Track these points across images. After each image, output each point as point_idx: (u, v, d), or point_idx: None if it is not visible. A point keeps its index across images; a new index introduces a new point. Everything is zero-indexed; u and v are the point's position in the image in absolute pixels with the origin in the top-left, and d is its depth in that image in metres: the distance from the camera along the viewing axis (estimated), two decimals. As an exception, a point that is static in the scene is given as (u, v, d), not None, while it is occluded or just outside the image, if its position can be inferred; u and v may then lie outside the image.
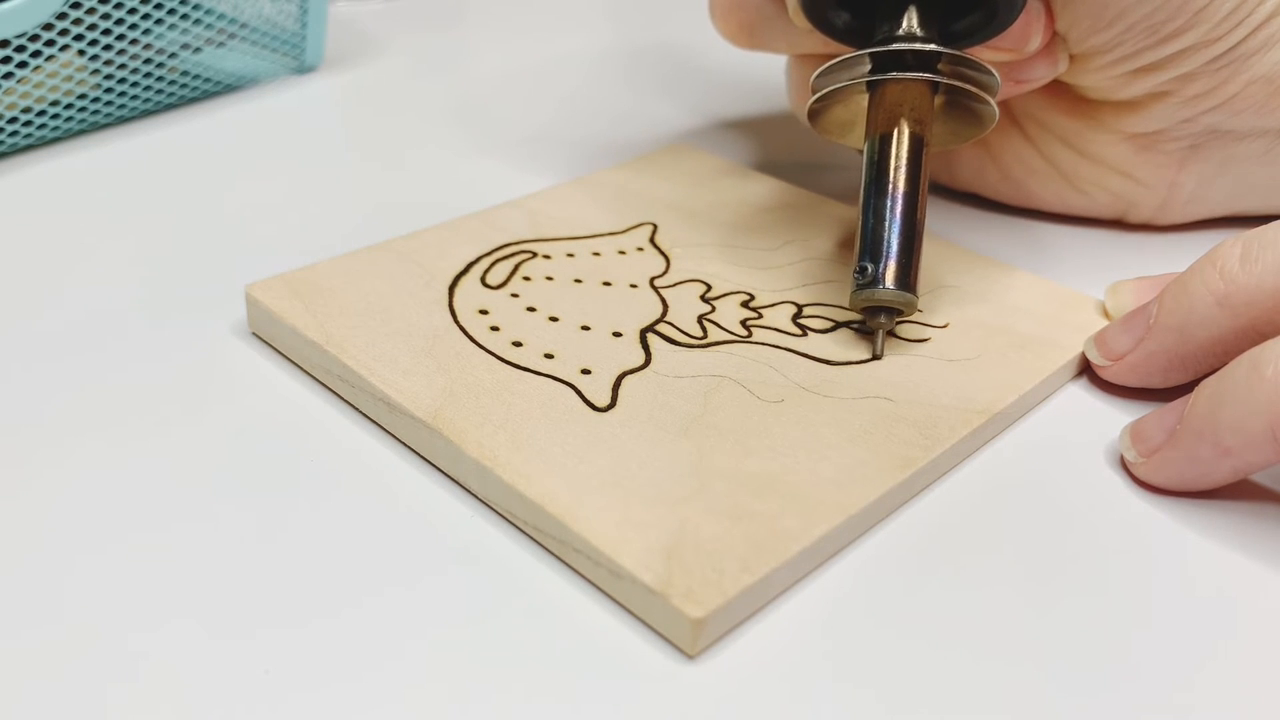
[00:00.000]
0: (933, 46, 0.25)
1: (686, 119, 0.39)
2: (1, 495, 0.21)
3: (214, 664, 0.17)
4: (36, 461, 0.22)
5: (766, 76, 0.42)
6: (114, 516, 0.20)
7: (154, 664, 0.17)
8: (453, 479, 0.21)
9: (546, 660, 0.18)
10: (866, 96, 0.26)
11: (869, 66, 0.25)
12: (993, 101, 0.25)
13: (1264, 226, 0.22)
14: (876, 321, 0.24)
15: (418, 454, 0.22)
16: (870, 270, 0.24)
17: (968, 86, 0.25)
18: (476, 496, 0.21)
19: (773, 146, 0.37)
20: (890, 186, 0.25)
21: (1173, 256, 0.29)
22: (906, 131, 0.25)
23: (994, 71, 0.25)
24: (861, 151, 0.26)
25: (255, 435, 0.23)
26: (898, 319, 0.25)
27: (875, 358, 0.24)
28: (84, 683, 0.17)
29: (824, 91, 0.26)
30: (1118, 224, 0.32)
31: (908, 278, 0.24)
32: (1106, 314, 0.26)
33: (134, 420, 0.23)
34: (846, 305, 0.26)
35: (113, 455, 0.22)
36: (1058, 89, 0.29)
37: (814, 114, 0.27)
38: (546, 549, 0.20)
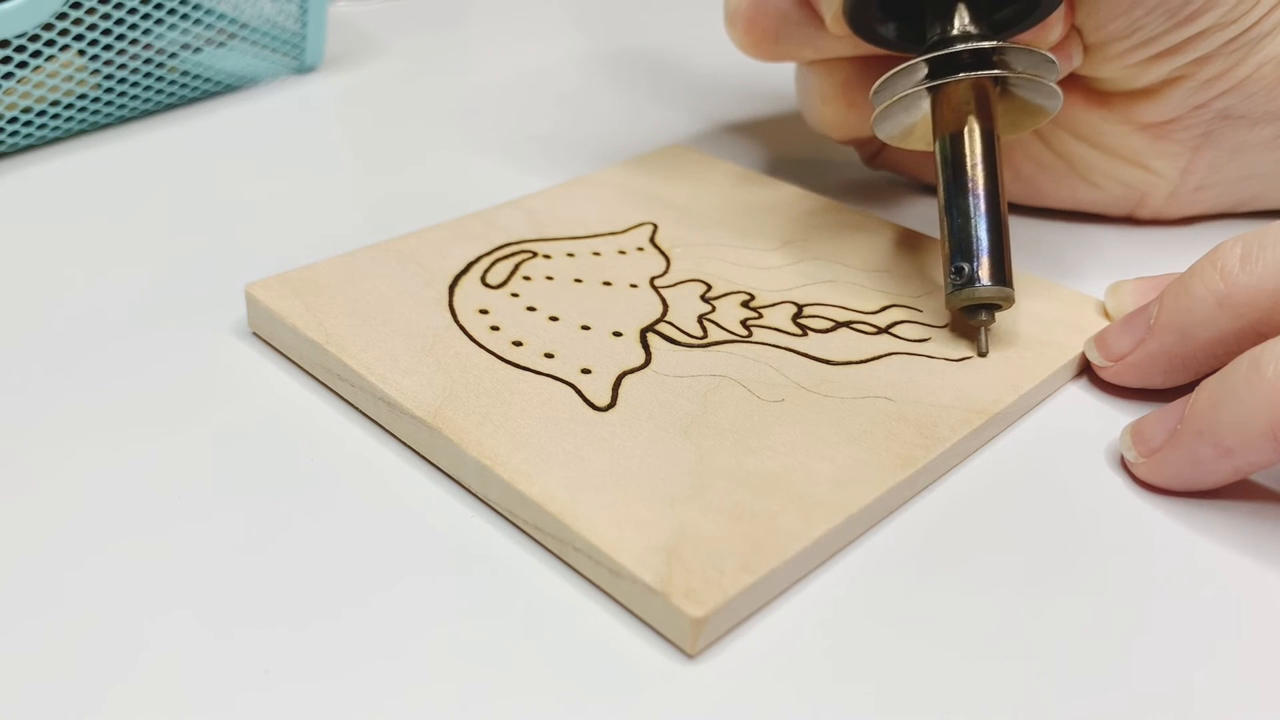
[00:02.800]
0: (992, 43, 0.25)
1: (686, 119, 0.39)
2: (2, 495, 0.21)
3: (215, 663, 0.17)
4: (36, 461, 0.22)
5: (766, 78, 0.42)
6: (113, 516, 0.20)
7: (155, 663, 0.17)
8: (453, 478, 0.21)
9: (546, 660, 0.18)
10: (926, 100, 0.26)
11: (927, 70, 0.25)
12: (1056, 87, 0.25)
13: (1264, 227, 0.22)
14: (978, 320, 0.24)
15: (418, 453, 0.22)
16: (966, 269, 0.24)
17: (1034, 76, 0.25)
18: (476, 496, 0.21)
19: (773, 147, 0.37)
20: (970, 184, 0.25)
21: (1173, 256, 0.29)
22: (977, 128, 0.25)
23: (1052, 58, 0.25)
24: (933, 152, 0.26)
25: (255, 435, 0.23)
26: (996, 313, 0.24)
27: (981, 354, 0.24)
28: (85, 682, 0.17)
29: (889, 102, 0.26)
30: (1119, 222, 0.32)
31: (1003, 272, 0.24)
32: (1107, 314, 0.26)
33: (134, 420, 0.23)
34: (848, 305, 0.26)
35: (112, 455, 0.22)
36: (1070, 82, 0.29)
37: (875, 126, 0.27)
38: (546, 548, 0.20)
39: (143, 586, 0.19)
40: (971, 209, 0.24)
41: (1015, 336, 0.25)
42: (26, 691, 0.17)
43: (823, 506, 0.20)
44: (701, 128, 0.39)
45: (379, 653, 0.18)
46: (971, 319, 0.24)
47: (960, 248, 0.24)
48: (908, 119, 0.27)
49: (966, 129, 0.25)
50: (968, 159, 0.25)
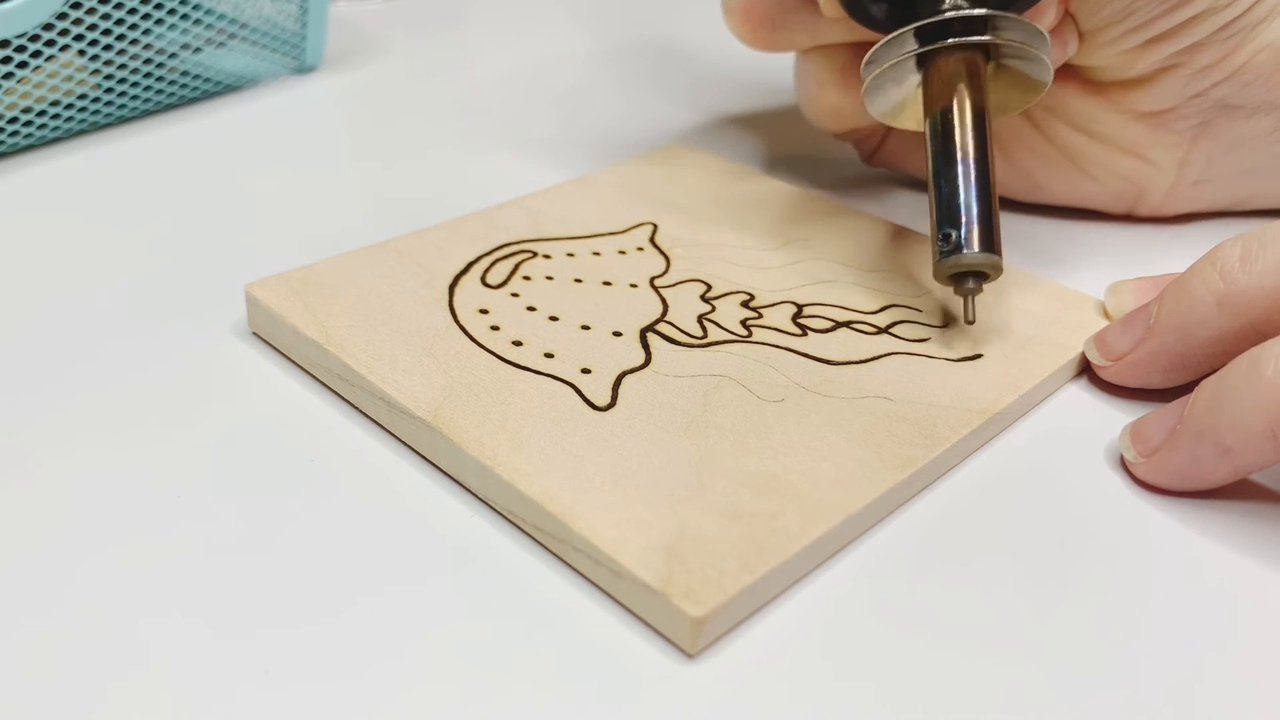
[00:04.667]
0: (982, 10, 0.24)
1: (686, 119, 0.39)
2: (2, 495, 0.21)
3: (214, 663, 0.17)
4: (36, 462, 0.22)
5: (764, 76, 0.42)
6: (113, 516, 0.20)
7: (154, 662, 0.17)
8: (453, 478, 0.21)
9: (546, 660, 0.18)
10: (916, 76, 0.26)
11: (918, 40, 0.25)
12: (1047, 60, 0.25)
13: (1264, 226, 0.22)
14: (964, 288, 0.24)
15: (418, 453, 0.22)
16: (953, 236, 0.24)
17: (1023, 45, 0.25)
18: (476, 496, 0.21)
19: (772, 144, 0.37)
20: (960, 153, 0.24)
21: (1173, 256, 0.30)
22: (967, 99, 0.25)
23: (1043, 30, 0.25)
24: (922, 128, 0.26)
25: (255, 435, 0.23)
26: (983, 283, 0.24)
27: (968, 323, 0.24)
28: (85, 681, 0.17)
29: (878, 71, 0.26)
30: (1118, 221, 0.32)
31: (991, 239, 0.24)
32: (1106, 314, 0.26)
33: (134, 420, 0.23)
34: (848, 305, 0.26)
35: (112, 455, 0.22)
36: (1065, 72, 0.29)
37: (865, 97, 0.27)
38: (546, 548, 0.20)
39: (143, 586, 0.19)
40: (960, 177, 0.24)
41: (1015, 336, 0.25)
42: (26, 691, 0.17)
43: (823, 506, 0.20)
44: (702, 126, 0.39)
45: (379, 653, 0.18)
46: (958, 287, 0.24)
47: (948, 215, 0.24)
48: (899, 94, 0.27)
49: (956, 101, 0.25)
50: (957, 130, 0.25)
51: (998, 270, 0.24)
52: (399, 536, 0.20)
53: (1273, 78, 0.28)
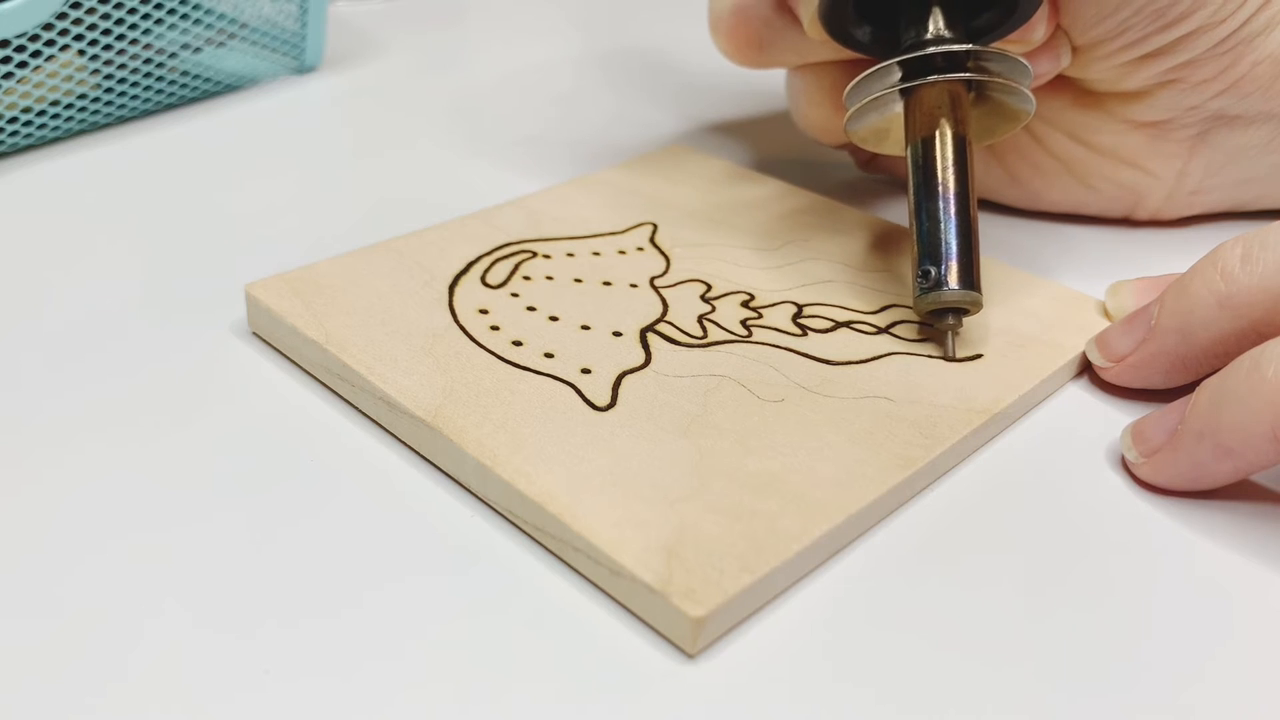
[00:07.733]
0: (966, 46, 0.25)
1: (686, 120, 0.39)
2: (1, 495, 0.21)
3: (214, 663, 0.17)
4: (36, 461, 0.22)
5: (765, 77, 0.42)
6: (113, 516, 0.20)
7: (154, 663, 0.17)
8: (453, 478, 0.21)
9: (546, 659, 0.18)
10: (900, 103, 0.26)
11: (901, 74, 0.25)
12: (1028, 92, 0.25)
13: (1265, 227, 0.22)
14: (945, 323, 0.24)
15: (418, 453, 0.22)
16: (933, 273, 0.24)
17: (1006, 81, 0.25)
18: (476, 496, 0.21)
19: (771, 147, 0.37)
20: (940, 188, 0.25)
21: (1173, 256, 0.29)
22: (949, 132, 0.25)
23: (1025, 63, 0.25)
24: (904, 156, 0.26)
25: (255, 435, 0.23)
26: (963, 318, 0.24)
27: (947, 359, 0.24)
28: (84, 681, 0.17)
29: (860, 104, 0.26)
30: (1119, 223, 0.32)
31: (971, 276, 0.24)
32: (1107, 314, 0.26)
33: (134, 420, 0.23)
34: (848, 305, 0.26)
35: (112, 455, 0.22)
36: (1062, 83, 0.29)
37: (847, 127, 0.27)
38: (546, 548, 0.20)
39: (143, 586, 0.19)
40: (941, 213, 0.24)
41: (1015, 336, 0.25)
42: (26, 691, 0.17)
43: (823, 506, 0.20)
44: (701, 127, 0.39)
45: (379, 653, 0.18)
46: (938, 323, 0.24)
47: (928, 251, 0.24)
48: (882, 122, 0.27)
49: (938, 133, 0.25)
50: (939, 163, 0.25)
51: (977, 306, 0.24)
52: (399, 536, 0.20)
53: (1271, 88, 0.28)
